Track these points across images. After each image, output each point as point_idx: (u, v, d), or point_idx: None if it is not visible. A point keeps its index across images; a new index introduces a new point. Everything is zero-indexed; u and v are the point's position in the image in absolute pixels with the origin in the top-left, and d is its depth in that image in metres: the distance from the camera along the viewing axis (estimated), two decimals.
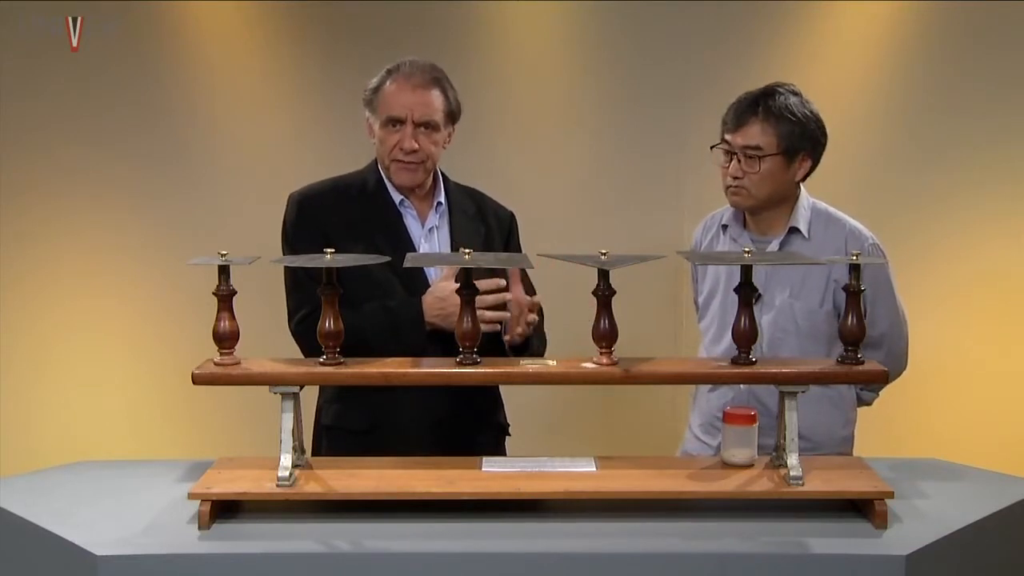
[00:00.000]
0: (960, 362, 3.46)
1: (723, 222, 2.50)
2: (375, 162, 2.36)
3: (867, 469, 1.95)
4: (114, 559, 1.69)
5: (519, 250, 2.44)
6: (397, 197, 2.31)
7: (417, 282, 2.26)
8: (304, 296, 2.22)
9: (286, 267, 2.28)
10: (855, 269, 1.86)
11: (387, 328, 2.17)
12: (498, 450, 2.38)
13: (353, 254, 1.91)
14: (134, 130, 3.44)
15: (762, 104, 2.32)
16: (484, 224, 2.38)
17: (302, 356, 2.17)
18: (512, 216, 2.46)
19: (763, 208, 2.39)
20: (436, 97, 2.26)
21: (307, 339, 2.21)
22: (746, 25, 3.44)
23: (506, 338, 2.19)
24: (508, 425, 2.44)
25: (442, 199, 2.35)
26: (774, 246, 2.38)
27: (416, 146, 2.23)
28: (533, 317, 2.21)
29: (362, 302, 2.17)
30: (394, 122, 2.25)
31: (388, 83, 2.27)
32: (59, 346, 3.52)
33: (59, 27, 3.26)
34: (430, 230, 2.32)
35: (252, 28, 3.47)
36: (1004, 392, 3.47)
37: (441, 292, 2.19)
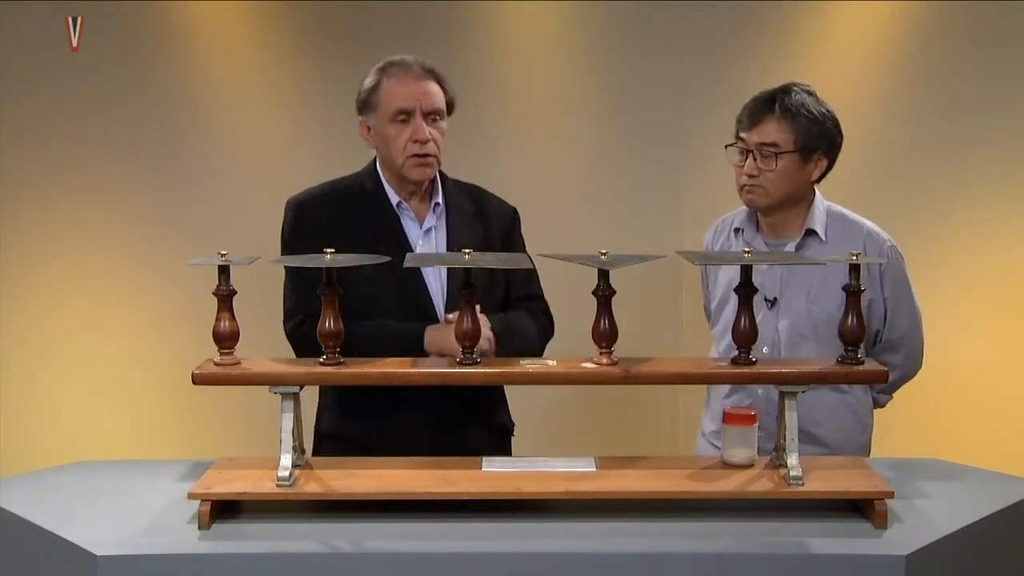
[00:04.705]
0: (960, 362, 3.45)
1: (735, 226, 2.47)
2: (373, 165, 2.34)
3: (867, 469, 1.95)
4: (114, 559, 1.69)
5: (523, 247, 2.41)
6: (395, 199, 2.30)
7: (415, 286, 2.25)
8: (299, 302, 2.22)
9: (285, 271, 2.28)
10: (855, 269, 1.86)
11: (385, 348, 2.07)
12: (501, 451, 2.37)
13: (352, 254, 1.90)
14: (134, 130, 3.44)
15: (778, 101, 2.29)
16: (483, 223, 2.36)
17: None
18: (514, 212, 2.44)
19: (778, 208, 2.36)
20: (436, 87, 2.26)
21: (301, 346, 2.22)
22: (746, 25, 3.44)
23: None
24: (513, 425, 2.44)
25: (440, 199, 2.33)
26: (790, 249, 2.36)
27: (429, 135, 2.22)
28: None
29: (359, 309, 2.12)
30: (403, 114, 2.23)
31: (386, 79, 2.25)
32: (59, 346, 3.52)
33: (59, 27, 3.25)
34: (427, 231, 2.31)
35: (252, 28, 3.47)
36: (1004, 392, 3.47)
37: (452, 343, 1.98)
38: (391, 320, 2.21)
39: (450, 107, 2.30)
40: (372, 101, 2.26)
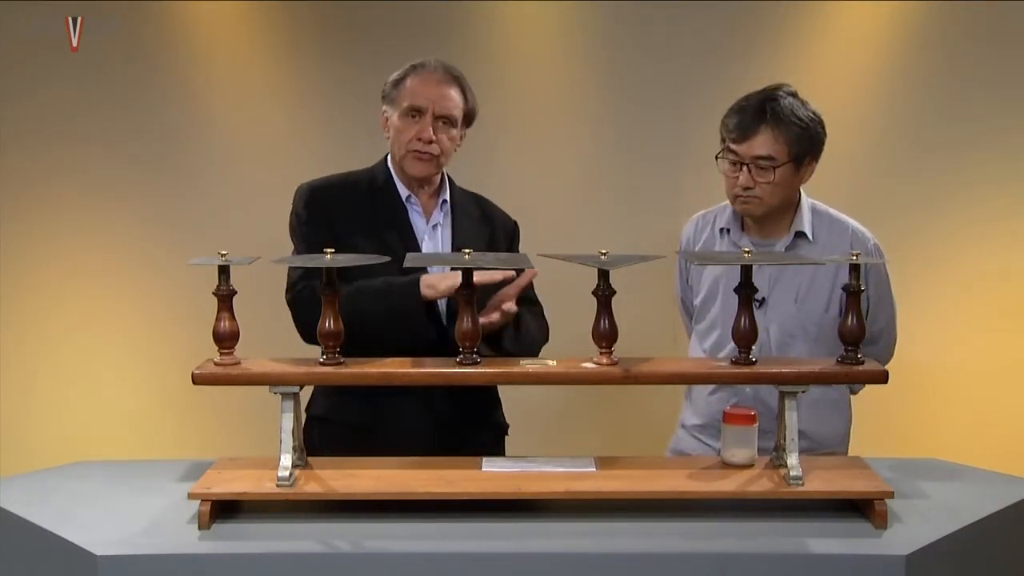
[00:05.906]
0: (960, 362, 3.46)
1: (721, 225, 2.47)
2: (384, 160, 2.38)
3: (867, 469, 1.95)
4: (114, 559, 1.69)
5: None
6: (404, 193, 2.34)
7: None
8: (305, 272, 2.22)
9: (295, 246, 2.30)
10: (855, 269, 1.86)
11: (381, 298, 2.14)
12: (497, 449, 2.38)
13: (353, 254, 1.91)
14: (134, 130, 3.44)
15: (768, 111, 2.27)
16: (489, 226, 2.40)
17: (299, 350, 2.17)
18: (516, 226, 2.48)
19: (771, 214, 2.37)
20: (457, 94, 2.31)
21: (299, 307, 2.21)
22: (746, 25, 3.43)
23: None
24: (507, 425, 2.44)
25: (447, 198, 2.37)
26: (779, 249, 2.36)
27: (434, 136, 2.26)
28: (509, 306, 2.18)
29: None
30: (415, 112, 2.27)
31: (411, 76, 2.31)
32: (59, 346, 3.52)
33: (59, 27, 3.26)
34: (434, 227, 2.34)
35: (252, 28, 3.47)
36: (1004, 392, 3.47)
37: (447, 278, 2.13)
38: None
39: (469, 117, 2.34)
40: (393, 93, 2.32)
